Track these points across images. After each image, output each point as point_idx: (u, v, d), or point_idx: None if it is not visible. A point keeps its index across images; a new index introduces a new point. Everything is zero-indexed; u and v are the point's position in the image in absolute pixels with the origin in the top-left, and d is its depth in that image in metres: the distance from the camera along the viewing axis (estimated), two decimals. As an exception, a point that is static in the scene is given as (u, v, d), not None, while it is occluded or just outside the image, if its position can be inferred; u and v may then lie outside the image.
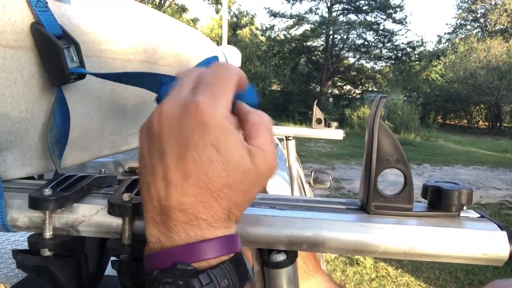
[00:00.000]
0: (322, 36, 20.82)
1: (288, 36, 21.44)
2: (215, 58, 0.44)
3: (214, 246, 0.29)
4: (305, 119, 16.19)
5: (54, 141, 0.43)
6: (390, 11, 20.26)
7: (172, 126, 0.28)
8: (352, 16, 21.05)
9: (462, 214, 0.38)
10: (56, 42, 0.38)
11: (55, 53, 0.38)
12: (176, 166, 0.28)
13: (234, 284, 0.29)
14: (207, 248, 0.29)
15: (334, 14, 21.04)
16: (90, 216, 0.37)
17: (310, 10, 21.23)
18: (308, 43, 21.07)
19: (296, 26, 21.49)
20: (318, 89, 20.90)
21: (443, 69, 20.16)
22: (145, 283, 0.29)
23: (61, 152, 0.45)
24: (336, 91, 22.28)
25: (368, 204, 0.38)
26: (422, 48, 21.51)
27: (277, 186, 1.66)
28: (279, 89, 21.29)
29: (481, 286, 3.30)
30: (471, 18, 22.14)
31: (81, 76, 0.42)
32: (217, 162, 0.28)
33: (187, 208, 0.28)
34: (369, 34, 20.77)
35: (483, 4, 20.84)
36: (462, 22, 22.58)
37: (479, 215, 0.38)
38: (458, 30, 22.80)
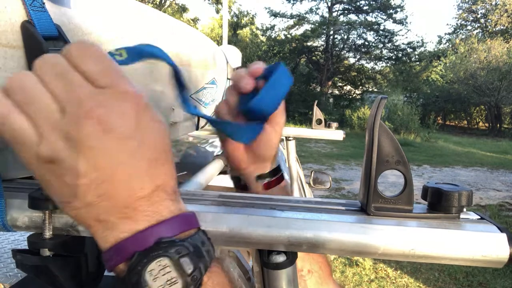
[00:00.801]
0: (323, 36, 20.82)
1: (288, 36, 21.45)
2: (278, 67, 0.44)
3: (189, 218, 0.30)
4: (305, 120, 16.20)
5: None
6: (391, 11, 20.26)
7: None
8: (353, 16, 21.06)
9: (462, 216, 0.38)
10: (41, 42, 0.37)
11: (41, 53, 0.38)
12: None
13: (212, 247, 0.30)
14: (186, 218, 0.30)
15: (334, 14, 21.04)
16: (90, 216, 0.37)
17: (311, 10, 21.23)
18: (309, 43, 21.07)
19: (297, 26, 21.49)
20: (318, 89, 20.91)
21: (443, 70, 20.16)
22: (116, 276, 0.28)
23: None
24: (337, 92, 22.29)
25: (368, 205, 0.38)
26: (422, 49, 21.51)
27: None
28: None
29: (480, 287, 3.30)
30: (471, 18, 22.15)
31: None
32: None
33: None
34: (370, 34, 20.78)
35: (483, 4, 20.85)
36: (463, 22, 22.60)
37: (479, 217, 0.38)
38: (458, 30, 22.82)
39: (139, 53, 0.36)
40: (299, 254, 0.44)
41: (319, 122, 1.33)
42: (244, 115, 0.47)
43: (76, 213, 0.28)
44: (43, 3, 0.39)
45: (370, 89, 21.53)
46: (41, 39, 0.38)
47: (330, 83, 21.02)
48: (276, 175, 0.53)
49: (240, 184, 0.56)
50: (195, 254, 0.28)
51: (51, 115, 0.26)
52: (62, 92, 0.26)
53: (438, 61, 21.11)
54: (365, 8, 20.58)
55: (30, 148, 0.26)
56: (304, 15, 21.25)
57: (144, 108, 0.28)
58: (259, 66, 0.47)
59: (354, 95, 21.97)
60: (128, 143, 0.27)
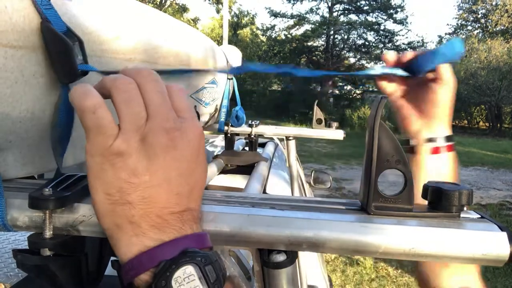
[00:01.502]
0: (323, 36, 20.80)
1: (288, 36, 21.43)
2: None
3: (206, 237, 0.33)
4: (305, 119, 16.18)
5: (58, 138, 0.43)
6: (391, 11, 20.23)
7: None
8: (353, 16, 21.03)
9: (462, 215, 0.38)
10: (65, 40, 0.38)
11: (65, 50, 0.39)
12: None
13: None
14: (204, 237, 0.33)
15: (334, 14, 21.02)
16: (91, 215, 0.37)
17: (311, 10, 21.21)
18: (309, 43, 21.06)
19: (297, 26, 21.48)
20: (318, 89, 20.89)
21: (443, 70, 20.10)
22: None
23: (64, 150, 0.45)
24: (337, 91, 22.28)
25: (368, 204, 0.38)
26: (423, 49, 21.47)
27: (277, 186, 1.66)
28: (279, 89, 21.29)
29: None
30: (472, 18, 22.13)
31: (84, 73, 0.42)
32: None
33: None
34: (370, 34, 20.75)
35: (484, 4, 20.83)
36: (463, 22, 22.57)
37: (479, 216, 0.38)
38: (459, 30, 22.79)
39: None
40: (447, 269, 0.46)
41: (319, 121, 1.33)
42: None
43: (113, 208, 0.30)
44: (49, 0, 0.39)
45: (371, 89, 21.51)
46: (63, 36, 0.38)
47: (330, 83, 21.00)
48: (448, 142, 0.54)
49: (409, 146, 0.58)
50: (216, 264, 0.30)
51: (138, 119, 0.31)
52: (155, 105, 0.31)
53: (438, 61, 21.05)
54: (365, 8, 20.56)
55: (107, 137, 0.30)
56: (304, 15, 21.24)
57: (203, 146, 0.34)
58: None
59: (355, 95, 21.96)
60: (184, 165, 0.32)
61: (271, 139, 1.85)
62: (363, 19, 20.72)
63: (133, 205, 0.30)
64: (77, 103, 0.30)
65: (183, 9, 20.77)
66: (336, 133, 1.31)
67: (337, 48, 21.35)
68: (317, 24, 20.56)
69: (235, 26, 21.98)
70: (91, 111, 0.29)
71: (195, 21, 22.02)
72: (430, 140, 0.55)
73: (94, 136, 0.30)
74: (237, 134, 1.23)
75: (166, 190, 0.31)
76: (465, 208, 0.38)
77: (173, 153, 0.31)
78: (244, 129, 1.19)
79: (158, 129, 0.30)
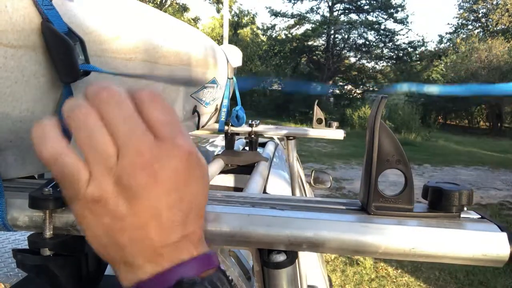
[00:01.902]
0: (323, 35, 20.78)
1: (289, 35, 21.41)
2: None
3: (209, 258, 0.30)
4: (305, 119, 16.17)
5: None
6: (392, 10, 20.21)
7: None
8: (353, 16, 21.00)
9: (462, 215, 0.38)
10: (66, 40, 0.38)
11: (66, 50, 0.39)
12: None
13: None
14: (207, 259, 0.30)
15: (335, 13, 21.00)
16: (90, 215, 0.37)
17: (311, 10, 21.19)
18: (309, 43, 21.03)
19: (297, 26, 21.45)
20: (319, 89, 20.88)
21: (444, 69, 20.11)
22: None
23: None
24: (337, 91, 22.26)
25: (369, 204, 0.38)
26: (423, 48, 21.47)
27: (278, 186, 1.66)
28: (280, 88, 21.29)
29: (481, 286, 3.29)
30: (472, 18, 22.09)
31: (86, 73, 0.42)
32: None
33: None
34: (370, 33, 20.72)
35: (484, 4, 20.80)
36: (464, 22, 22.53)
37: (480, 216, 0.38)
38: (459, 30, 22.75)
39: None
40: None
41: (319, 121, 1.33)
42: None
43: (104, 249, 0.28)
44: (51, 0, 0.39)
45: (371, 89, 21.50)
46: (64, 36, 0.38)
47: (330, 82, 20.99)
48: None
49: None
50: None
51: (107, 158, 0.26)
52: (124, 137, 0.26)
53: (439, 60, 21.07)
54: (366, 7, 20.54)
55: (77, 186, 0.27)
56: (304, 14, 21.22)
57: (194, 164, 0.29)
58: None
59: (355, 94, 21.94)
60: (172, 196, 0.28)
61: (271, 138, 1.85)
62: (364, 18, 20.70)
63: (124, 247, 0.28)
64: (37, 152, 0.27)
65: (184, 8, 20.77)
66: (336, 133, 1.31)
67: (338, 48, 21.32)
68: (317, 23, 20.55)
69: (235, 26, 21.97)
70: (53, 162, 0.26)
71: (195, 20, 22.01)
72: None
73: (64, 184, 0.27)
74: (238, 134, 1.23)
75: (156, 226, 0.27)
76: (465, 208, 0.38)
77: (157, 189, 0.27)
78: (244, 128, 1.19)
79: (132, 167, 0.26)
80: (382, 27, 20.58)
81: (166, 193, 0.27)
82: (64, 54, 0.39)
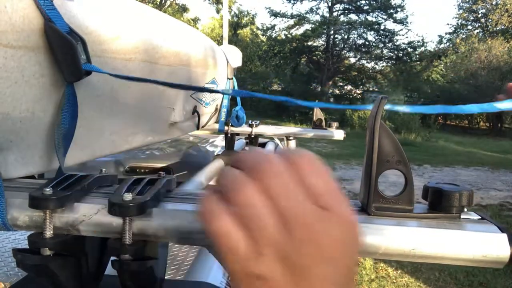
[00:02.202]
0: (323, 36, 20.79)
1: (288, 36, 21.41)
2: None
3: None
4: (305, 119, 16.17)
5: (61, 138, 0.43)
6: (391, 11, 20.22)
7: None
8: (353, 16, 21.02)
9: (462, 216, 0.38)
10: (69, 39, 0.39)
11: (69, 50, 0.39)
12: None
13: None
14: None
15: (335, 14, 21.02)
16: (91, 215, 0.37)
17: (311, 10, 21.19)
18: (309, 43, 21.04)
19: (297, 26, 21.46)
20: (319, 89, 20.89)
21: (444, 69, 20.13)
22: None
23: (66, 150, 0.45)
24: (337, 91, 22.27)
25: (369, 205, 0.38)
26: (423, 48, 21.47)
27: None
28: (279, 89, 21.29)
29: (481, 287, 3.30)
30: (472, 18, 22.10)
31: (88, 73, 0.42)
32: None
33: None
34: (370, 34, 20.73)
35: (484, 4, 20.82)
36: (463, 22, 22.54)
37: (480, 217, 0.38)
38: (459, 30, 22.77)
39: None
40: None
41: (319, 121, 1.33)
42: None
43: None
44: (52, 1, 0.39)
45: (371, 89, 21.51)
46: (67, 36, 0.38)
47: (330, 82, 21.01)
48: None
49: None
50: None
51: (273, 234, 0.25)
52: (287, 208, 0.25)
53: (438, 60, 21.09)
54: (365, 8, 20.56)
55: (241, 262, 0.26)
56: (304, 15, 21.23)
57: (357, 235, 0.28)
58: None
59: (355, 94, 21.94)
60: (332, 271, 0.26)
61: (271, 139, 1.85)
62: (363, 18, 20.71)
63: None
64: (206, 226, 0.27)
65: (183, 9, 20.78)
66: (336, 133, 1.32)
67: (337, 48, 21.33)
68: (317, 24, 20.56)
69: (235, 26, 21.98)
70: (220, 236, 0.26)
71: (195, 21, 22.03)
72: None
73: (229, 258, 0.26)
74: (237, 134, 1.23)
75: None
76: (465, 209, 0.38)
77: (324, 264, 0.26)
78: (244, 129, 1.19)
79: (300, 240, 0.25)
80: (382, 27, 20.60)
81: (329, 268, 0.26)
82: (67, 53, 0.39)
